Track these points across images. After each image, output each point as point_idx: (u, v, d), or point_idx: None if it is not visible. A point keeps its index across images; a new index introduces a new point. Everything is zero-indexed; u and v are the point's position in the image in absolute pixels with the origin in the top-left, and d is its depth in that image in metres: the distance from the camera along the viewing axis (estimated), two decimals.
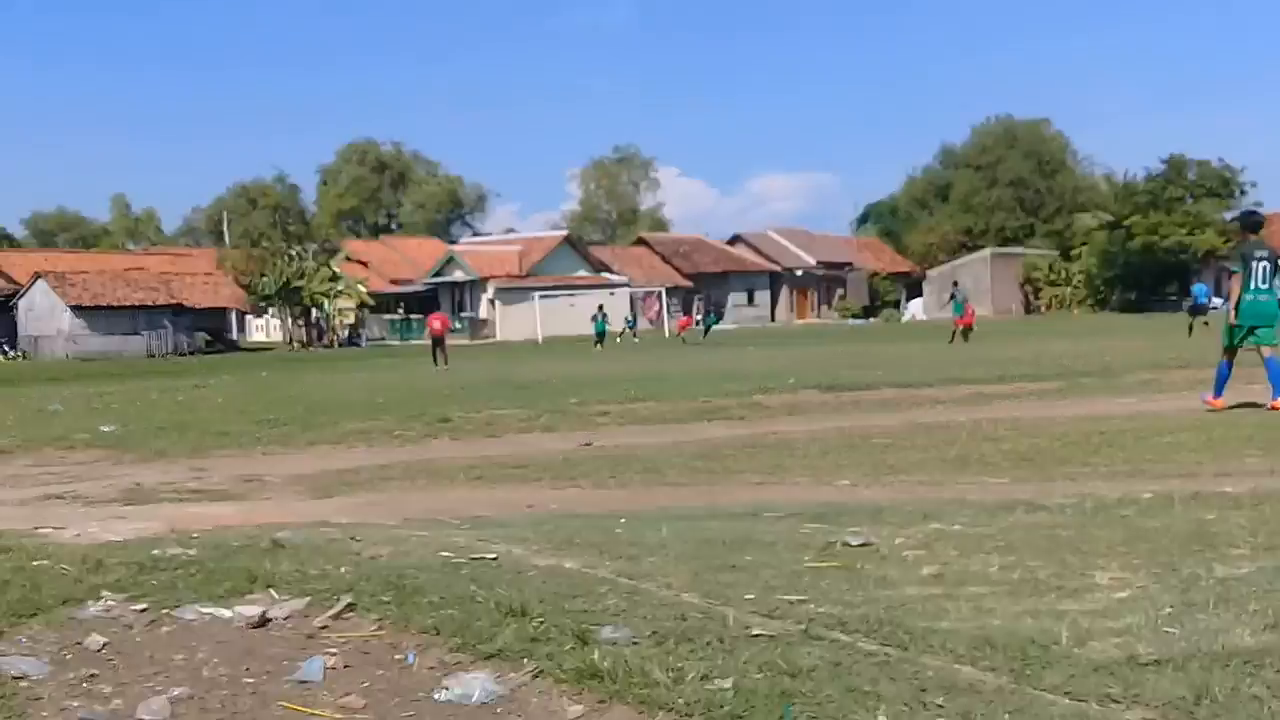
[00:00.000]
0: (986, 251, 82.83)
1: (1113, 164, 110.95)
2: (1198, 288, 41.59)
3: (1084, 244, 75.93)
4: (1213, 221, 69.29)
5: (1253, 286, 12.63)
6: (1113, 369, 18.95)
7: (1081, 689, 3.66)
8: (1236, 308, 12.67)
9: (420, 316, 70.22)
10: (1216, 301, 62.69)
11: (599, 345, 46.96)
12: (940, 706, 3.50)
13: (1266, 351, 12.63)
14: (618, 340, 51.20)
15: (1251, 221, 13.85)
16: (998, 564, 5.41)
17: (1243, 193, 72.82)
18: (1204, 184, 71.68)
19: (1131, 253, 69.52)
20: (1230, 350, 12.81)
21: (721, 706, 3.54)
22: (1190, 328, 35.41)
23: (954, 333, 36.81)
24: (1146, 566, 5.25)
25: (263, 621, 4.76)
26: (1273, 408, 12.33)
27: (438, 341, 34.18)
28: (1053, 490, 7.84)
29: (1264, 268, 12.68)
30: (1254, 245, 12.94)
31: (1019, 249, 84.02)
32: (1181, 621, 4.33)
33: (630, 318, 61.81)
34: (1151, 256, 68.28)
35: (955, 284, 46.96)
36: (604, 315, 51.05)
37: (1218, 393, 12.87)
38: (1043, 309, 77.47)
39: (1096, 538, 5.93)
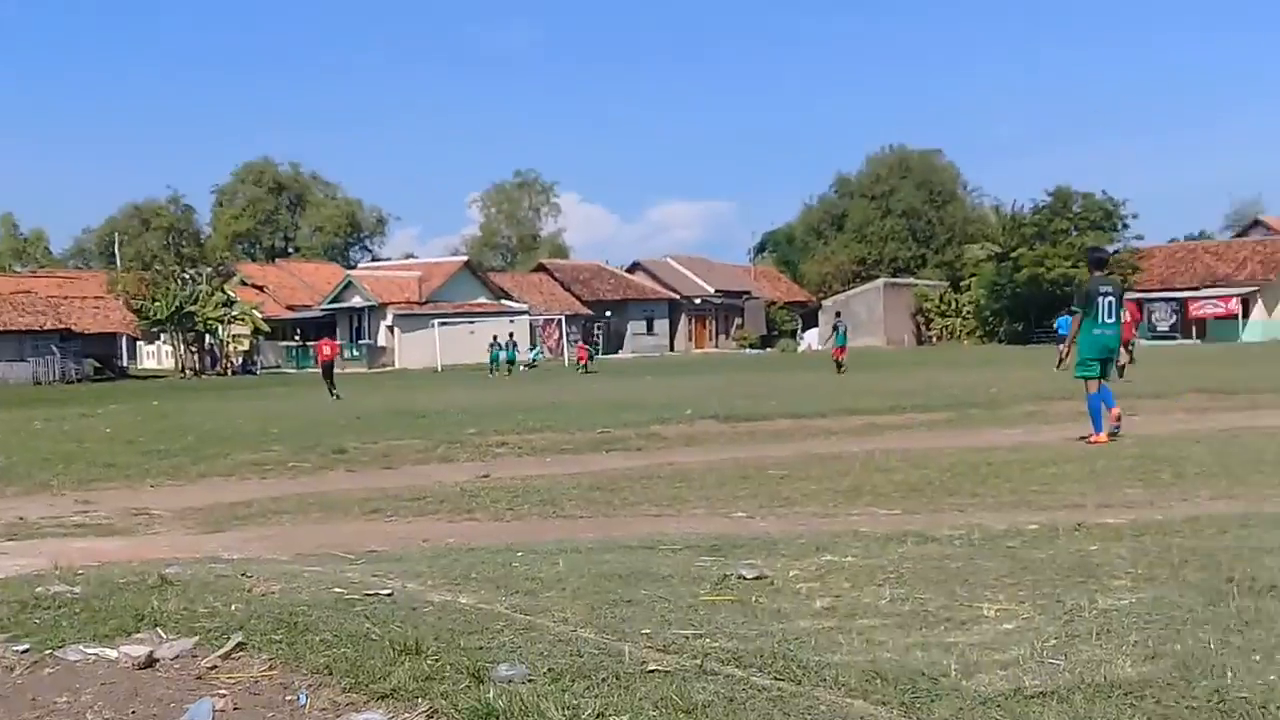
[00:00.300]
0: (880, 282, 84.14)
1: (1001, 195, 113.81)
2: (1061, 320, 42.75)
3: (973, 275, 77.51)
4: None
5: (1100, 320, 13.10)
6: (999, 400, 19.40)
7: None
8: (1078, 342, 13.17)
9: (316, 343, 69.28)
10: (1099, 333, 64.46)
11: (494, 373, 46.99)
12: None
13: (1092, 387, 13.15)
14: (521, 369, 50.97)
15: (1096, 259, 14.53)
16: (889, 596, 5.50)
17: (1125, 225, 74.99)
18: (1088, 216, 73.60)
19: (1019, 284, 71.13)
20: (1098, 378, 13.17)
21: None
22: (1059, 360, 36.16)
23: (839, 364, 37.36)
24: (1032, 598, 5.39)
25: (150, 662, 4.66)
26: (1093, 440, 12.89)
27: (327, 369, 33.59)
28: (942, 521, 8.00)
29: (1110, 303, 13.14)
30: (1099, 281, 13.41)
31: (911, 279, 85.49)
32: (1065, 653, 4.45)
33: (536, 347, 61.87)
34: (1038, 288, 69.90)
35: (838, 315, 47.98)
36: (513, 344, 51.34)
37: (1099, 428, 13.19)
38: (934, 339, 78.87)
39: (984, 569, 6.07)
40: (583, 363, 53.62)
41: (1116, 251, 72.27)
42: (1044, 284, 69.40)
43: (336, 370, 35.11)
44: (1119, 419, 13.26)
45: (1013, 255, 72.08)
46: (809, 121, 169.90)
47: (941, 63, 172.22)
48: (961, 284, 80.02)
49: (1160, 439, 13.23)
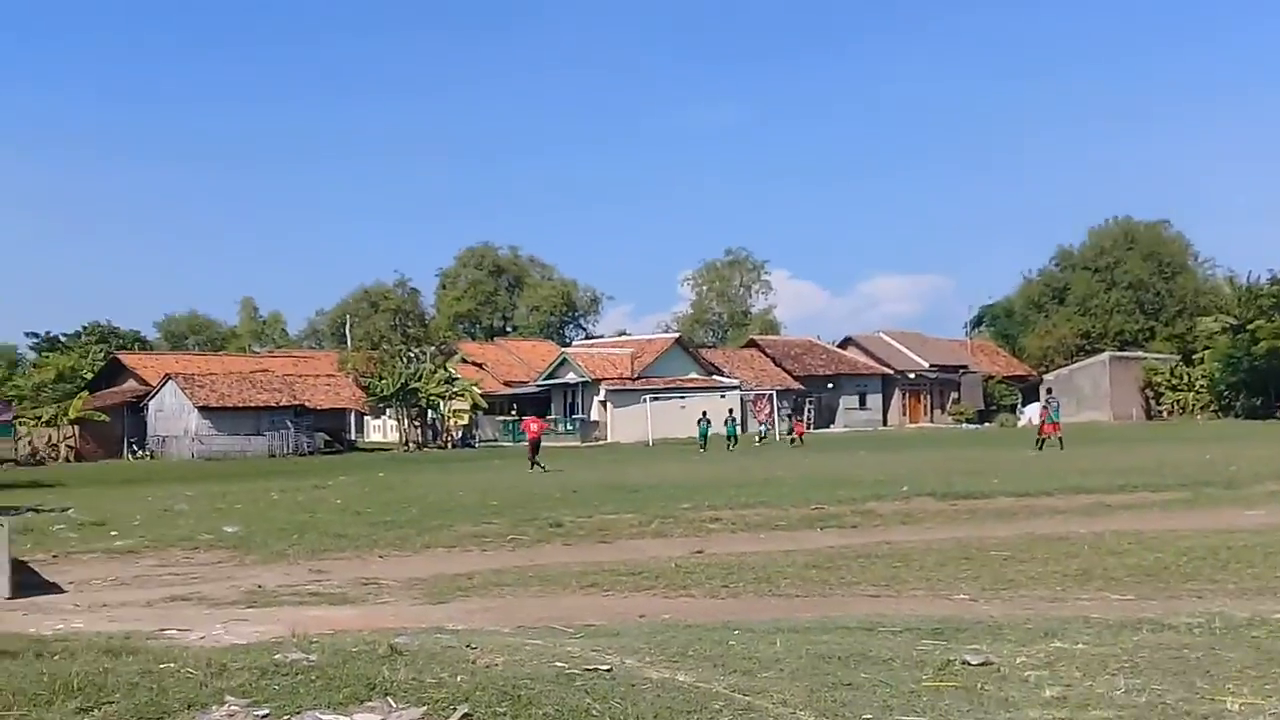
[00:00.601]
0: (1105, 355, 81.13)
1: (1235, 266, 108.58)
2: None
3: (1206, 348, 73.98)
4: None
5: None
6: (1239, 479, 18.36)
7: None
8: None
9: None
10: None
11: (704, 449, 47.18)
12: None
13: None
14: (755, 443, 50.61)
15: None
16: (1124, 686, 5.26)
17: None
18: None
19: (1256, 357, 67.53)
20: None
21: None
22: None
23: (1059, 439, 36.11)
24: (1279, 691, 5.07)
25: None
26: None
27: (535, 445, 34.46)
28: (1179, 608, 7.61)
29: None
30: None
31: (1138, 353, 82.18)
32: None
33: (764, 424, 61.86)
34: (1277, 361, 66.27)
35: (1049, 391, 46.72)
36: (733, 419, 51.86)
37: None
38: (1164, 414, 75.45)
39: (1226, 660, 5.74)
40: (800, 435, 53.67)
41: None
42: None
43: (546, 444, 35.87)
44: None
45: (1250, 327, 68.55)
46: (1027, 194, 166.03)
47: (1165, 129, 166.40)
48: (1194, 357, 76.46)
49: None
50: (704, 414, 52.14)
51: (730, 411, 52.77)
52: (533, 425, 35.86)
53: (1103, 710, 4.86)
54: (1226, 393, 70.32)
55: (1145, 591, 8.63)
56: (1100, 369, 79.05)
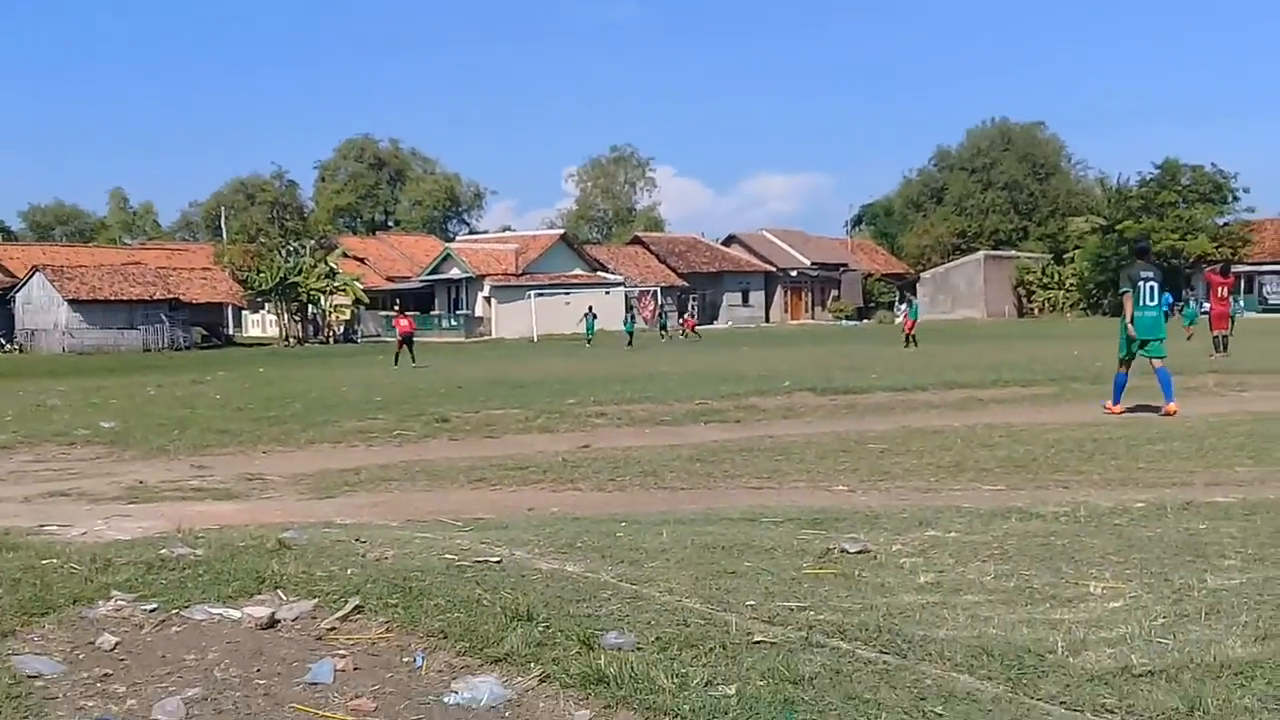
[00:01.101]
0: (980, 254, 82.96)
1: (1107, 168, 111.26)
2: (1167, 297, 41.84)
3: (1077, 248, 76.11)
4: (1205, 227, 69.49)
5: (1141, 304, 14.08)
6: (1105, 375, 18.98)
7: (1076, 699, 3.76)
8: (1132, 323, 14.02)
9: (416, 313, 70.35)
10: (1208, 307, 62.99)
11: (590, 343, 47.58)
12: (939, 714, 3.60)
13: (1157, 363, 14.06)
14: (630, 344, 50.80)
15: (1139, 248, 15.52)
16: (993, 572, 5.50)
17: (1235, 198, 73.09)
18: (1197, 189, 71.82)
19: (1123, 257, 69.69)
20: (1126, 362, 14.25)
21: (725, 713, 3.63)
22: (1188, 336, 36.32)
23: (909, 337, 37.45)
24: (1139, 576, 5.35)
25: (272, 623, 4.85)
26: (1166, 412, 13.51)
27: (406, 338, 34.43)
28: (1047, 498, 7.93)
29: (1151, 287, 14.14)
30: (1140, 268, 14.33)
31: (1012, 252, 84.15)
32: (1174, 632, 4.43)
33: (663, 317, 62.47)
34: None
35: (909, 291, 48.94)
36: (631, 315, 52.48)
37: (1116, 400, 14.20)
38: (1036, 312, 77.61)
39: (1090, 546, 6.03)
40: (691, 329, 55.04)
41: (1227, 224, 70.49)
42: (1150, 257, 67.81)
43: (431, 340, 35.98)
44: (1173, 414, 13.49)
45: (1118, 228, 70.55)
46: (907, 95, 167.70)
47: (1045, 35, 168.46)
48: (1065, 257, 78.59)
49: (1271, 415, 12.93)
50: (590, 308, 52.49)
51: (630, 309, 53.60)
52: (402, 321, 35.85)
53: (974, 595, 5.09)
54: (1095, 291, 72.52)
55: (1015, 482, 8.96)
56: (975, 267, 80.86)
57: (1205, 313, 31.20)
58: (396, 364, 32.57)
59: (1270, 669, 3.97)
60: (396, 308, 68.34)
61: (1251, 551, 5.81)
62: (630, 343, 47.60)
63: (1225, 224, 71.17)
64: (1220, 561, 5.62)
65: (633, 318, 53.23)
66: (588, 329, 50.35)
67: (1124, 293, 14.36)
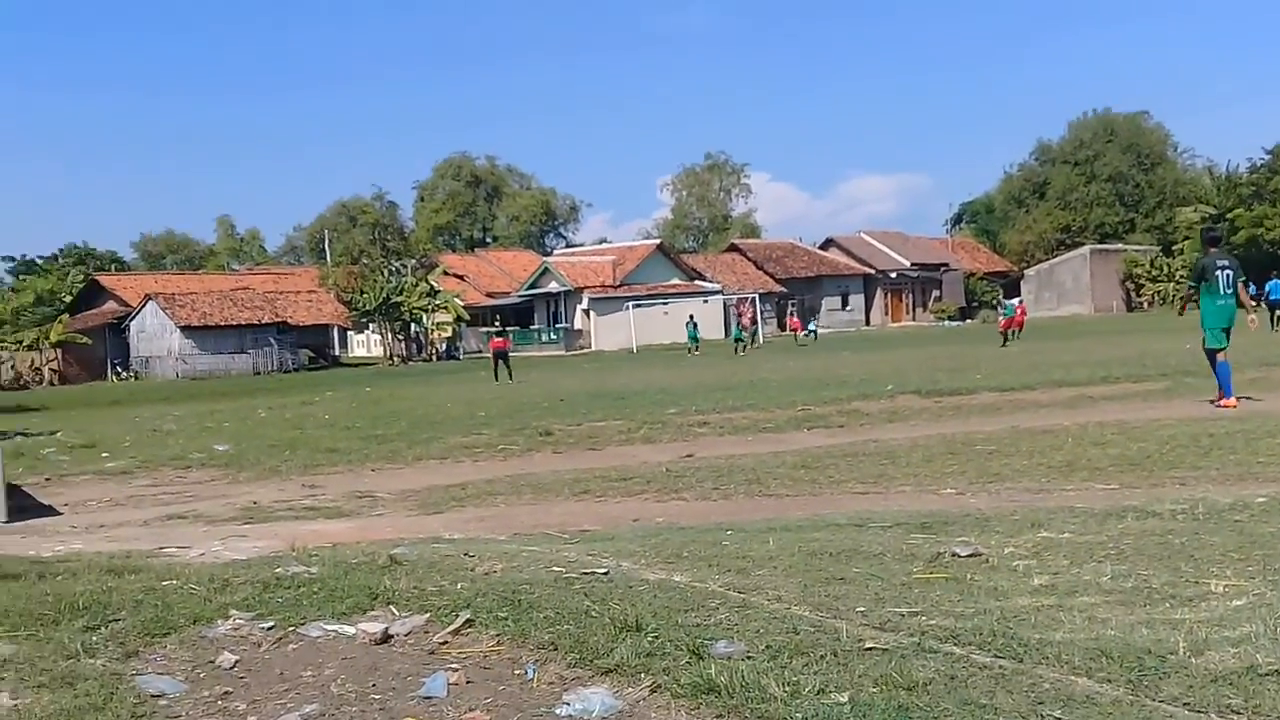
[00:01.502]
0: (1085, 249, 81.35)
1: (1215, 156, 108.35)
2: (1272, 284, 40.72)
3: (1186, 238, 74.20)
4: None
5: (1221, 292, 13.97)
6: None
7: (1200, 700, 3.65)
8: (1204, 314, 14.01)
9: (516, 328, 71.02)
10: None
11: (693, 352, 47.67)
12: (1057, 718, 3.52)
13: (1220, 357, 13.97)
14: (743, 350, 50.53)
15: (1211, 237, 15.12)
16: (1110, 572, 5.38)
17: None
18: None
19: (1236, 246, 67.78)
20: (1222, 349, 14.02)
21: None
22: (1273, 321, 35.35)
23: (1005, 335, 37.07)
24: (1262, 573, 5.20)
25: (385, 638, 4.92)
26: (1225, 405, 13.60)
27: (501, 355, 34.78)
28: (1163, 495, 7.74)
29: (1228, 275, 13.99)
30: (1216, 257, 14.19)
31: (1119, 245, 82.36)
32: None
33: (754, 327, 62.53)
34: (1257, 249, 66.51)
35: (1003, 292, 48.77)
36: (740, 323, 52.74)
37: (1229, 392, 13.90)
38: (1145, 305, 75.84)
39: (1210, 544, 5.87)
40: (797, 331, 55.03)
41: None
42: (1263, 245, 65.91)
43: (531, 354, 36.37)
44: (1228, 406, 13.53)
45: (1229, 216, 68.65)
46: (1006, 89, 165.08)
47: (1143, 19, 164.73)
48: (1174, 248, 76.69)
49: None
50: (691, 316, 52.63)
51: (739, 316, 54.08)
52: (497, 339, 36.41)
53: (1090, 596, 4.98)
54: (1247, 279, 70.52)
55: (1129, 480, 8.75)
56: (1080, 262, 79.26)
57: None
58: (496, 379, 32.93)
59: None
60: (497, 323, 69.22)
61: None
62: (738, 351, 47.41)
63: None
64: None
65: (741, 325, 53.15)
66: (690, 337, 50.45)
67: (1193, 286, 14.35)
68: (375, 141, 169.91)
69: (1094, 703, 3.64)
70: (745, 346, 48.34)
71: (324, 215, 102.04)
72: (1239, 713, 3.57)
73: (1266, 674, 3.83)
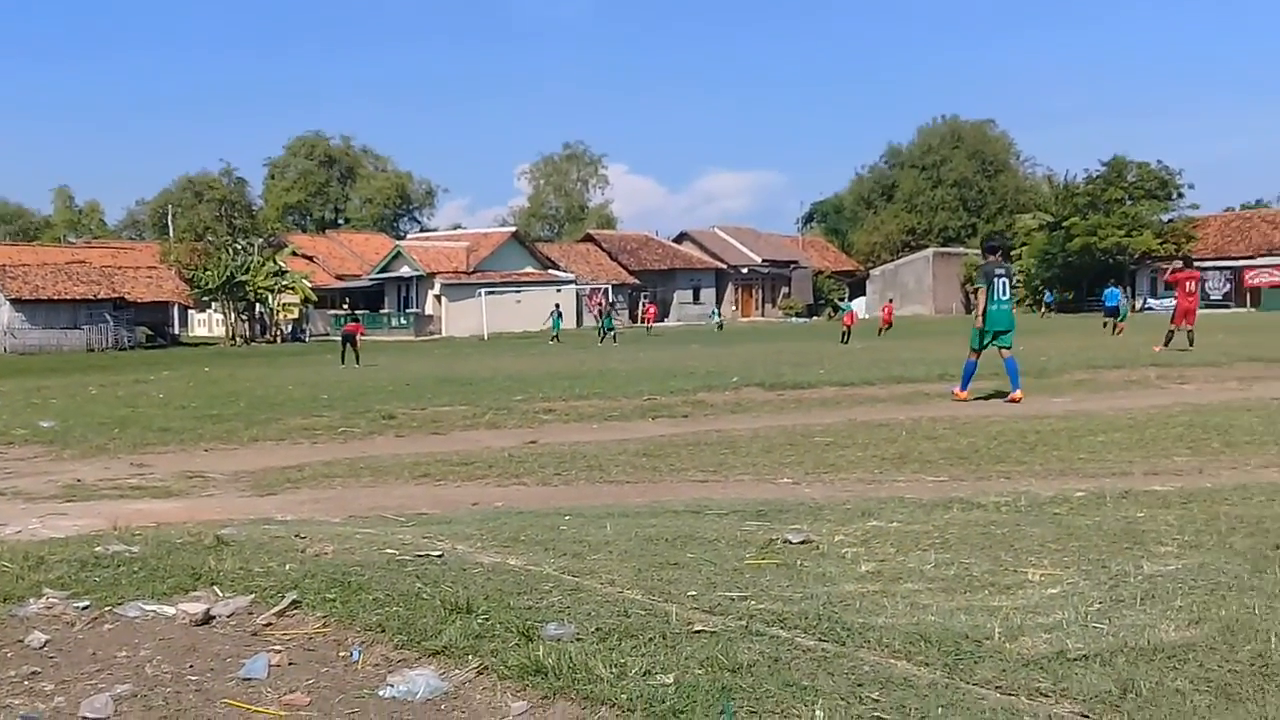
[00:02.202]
0: (929, 251, 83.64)
1: (1055, 165, 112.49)
2: (1108, 293, 43.02)
3: (1024, 244, 76.82)
4: (1150, 223, 70.35)
5: (995, 298, 15.27)
6: (1049, 369, 19.22)
7: (1012, 683, 3.77)
8: (983, 315, 15.24)
9: (366, 311, 69.96)
10: (1155, 304, 64.00)
11: (555, 340, 47.68)
12: (876, 700, 3.59)
13: (1006, 353, 15.24)
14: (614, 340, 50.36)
15: (991, 246, 16.37)
16: (933, 560, 5.53)
17: (1180, 194, 74.00)
18: (1142, 186, 72.68)
19: (1070, 253, 70.45)
20: (977, 351, 15.41)
21: (663, 701, 3.61)
22: (1107, 326, 37.38)
23: (846, 330, 38.33)
24: (1077, 563, 5.40)
25: (206, 619, 4.78)
26: (1012, 399, 14.70)
27: (349, 339, 34.21)
28: (988, 488, 7.99)
29: (1003, 283, 15.35)
30: (994, 265, 15.49)
31: (960, 249, 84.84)
32: (1109, 617, 4.46)
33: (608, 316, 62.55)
34: (1090, 257, 69.22)
35: (849, 292, 51.20)
36: (611, 310, 52.75)
37: (964, 386, 15.38)
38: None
39: (1029, 535, 6.07)
40: (650, 323, 55.29)
41: (1172, 220, 71.44)
42: (1096, 253, 68.65)
43: (380, 338, 35.80)
44: (1018, 401, 14.71)
45: (1065, 224, 71.31)
46: (860, 93, 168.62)
47: (995, 33, 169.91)
48: (1012, 253, 79.30)
49: (1211, 407, 13.11)
50: (556, 306, 52.66)
51: (593, 307, 54.20)
52: (350, 324, 35.88)
53: (913, 582, 5.11)
54: (1041, 287, 73.26)
55: (957, 473, 9.01)
56: (924, 264, 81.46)
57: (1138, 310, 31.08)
58: (343, 363, 32.39)
59: (1202, 652, 4.01)
60: (345, 306, 68.05)
61: (1187, 538, 5.87)
62: (604, 340, 47.36)
63: (1170, 220, 72.12)
64: (1157, 548, 5.67)
65: (608, 315, 52.97)
66: (554, 326, 50.39)
67: (978, 288, 15.49)
68: (225, 116, 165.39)
69: (911, 685, 3.73)
70: (616, 336, 48.25)
71: (169, 190, 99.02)
72: (1048, 695, 3.69)
73: (1075, 658, 3.98)
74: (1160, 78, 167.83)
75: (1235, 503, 6.91)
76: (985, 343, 15.24)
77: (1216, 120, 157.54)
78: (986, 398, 15.27)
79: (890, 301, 56.21)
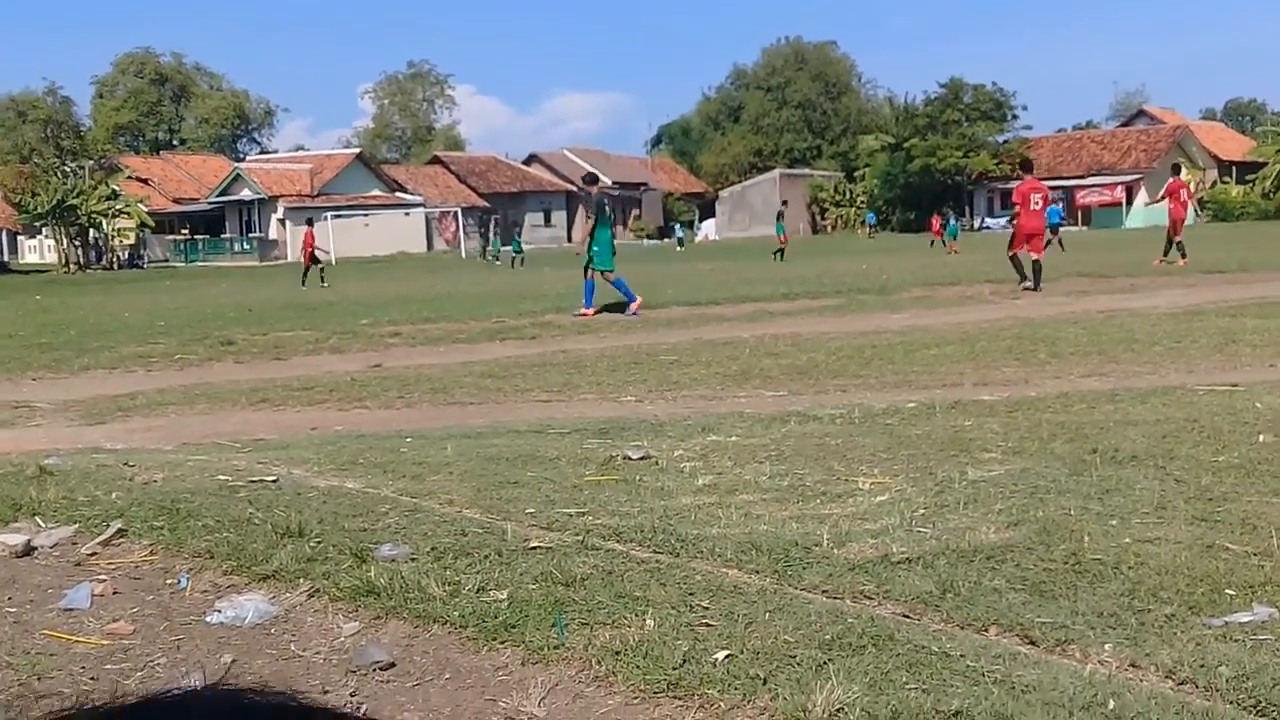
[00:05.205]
0: (775, 173, 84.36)
1: (895, 88, 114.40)
2: (1051, 210, 43.60)
3: (867, 165, 78.08)
4: (987, 144, 72.12)
5: (601, 224, 16.93)
6: (889, 287, 19.67)
7: (838, 587, 3.90)
8: (600, 241, 16.82)
9: (206, 237, 67.77)
10: (992, 223, 65.78)
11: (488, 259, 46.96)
12: (705, 608, 3.67)
13: (610, 276, 16.88)
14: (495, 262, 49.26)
15: (592, 177, 19.71)
16: (769, 472, 5.64)
17: (1014, 116, 75.86)
18: (979, 107, 74.32)
19: (911, 174, 71.89)
20: (601, 272, 16.87)
21: (496, 616, 3.64)
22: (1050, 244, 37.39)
23: (778, 251, 38.00)
24: (906, 471, 5.57)
25: (28, 550, 4.64)
26: (634, 310, 16.54)
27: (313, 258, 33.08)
28: (825, 402, 8.17)
29: (610, 211, 17.16)
30: (600, 195, 17.86)
31: (806, 170, 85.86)
32: (933, 522, 4.63)
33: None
34: (930, 178, 70.76)
35: (784, 203, 50.24)
36: (517, 233, 52.02)
37: (588, 304, 16.66)
38: (829, 229, 79.55)
39: (862, 445, 6.24)
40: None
41: (1007, 141, 73.29)
42: (936, 174, 70.22)
43: (222, 264, 34.41)
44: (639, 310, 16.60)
45: (905, 146, 72.64)
46: (707, 14, 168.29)
47: None
48: (856, 174, 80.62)
49: (1039, 321, 13.58)
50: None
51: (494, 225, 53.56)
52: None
53: (748, 495, 5.21)
54: (884, 208, 74.69)
55: (796, 388, 9.18)
56: (771, 185, 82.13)
57: (1006, 227, 30.82)
58: (323, 282, 31.68)
59: (1019, 552, 4.19)
60: (185, 232, 65.90)
61: (1011, 445, 6.10)
62: (493, 262, 46.52)
63: (1005, 141, 73.99)
64: (982, 455, 5.88)
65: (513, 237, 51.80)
66: (516, 249, 48.87)
67: (591, 216, 17.16)
68: (47, 34, 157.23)
69: (740, 592, 3.82)
70: (517, 260, 47.00)
71: None
72: (871, 597, 3.83)
73: (898, 562, 4.12)
74: (995, 0, 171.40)
75: (1057, 410, 7.19)
76: (592, 265, 16.88)
77: (1049, 42, 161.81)
78: (604, 309, 16.83)
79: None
